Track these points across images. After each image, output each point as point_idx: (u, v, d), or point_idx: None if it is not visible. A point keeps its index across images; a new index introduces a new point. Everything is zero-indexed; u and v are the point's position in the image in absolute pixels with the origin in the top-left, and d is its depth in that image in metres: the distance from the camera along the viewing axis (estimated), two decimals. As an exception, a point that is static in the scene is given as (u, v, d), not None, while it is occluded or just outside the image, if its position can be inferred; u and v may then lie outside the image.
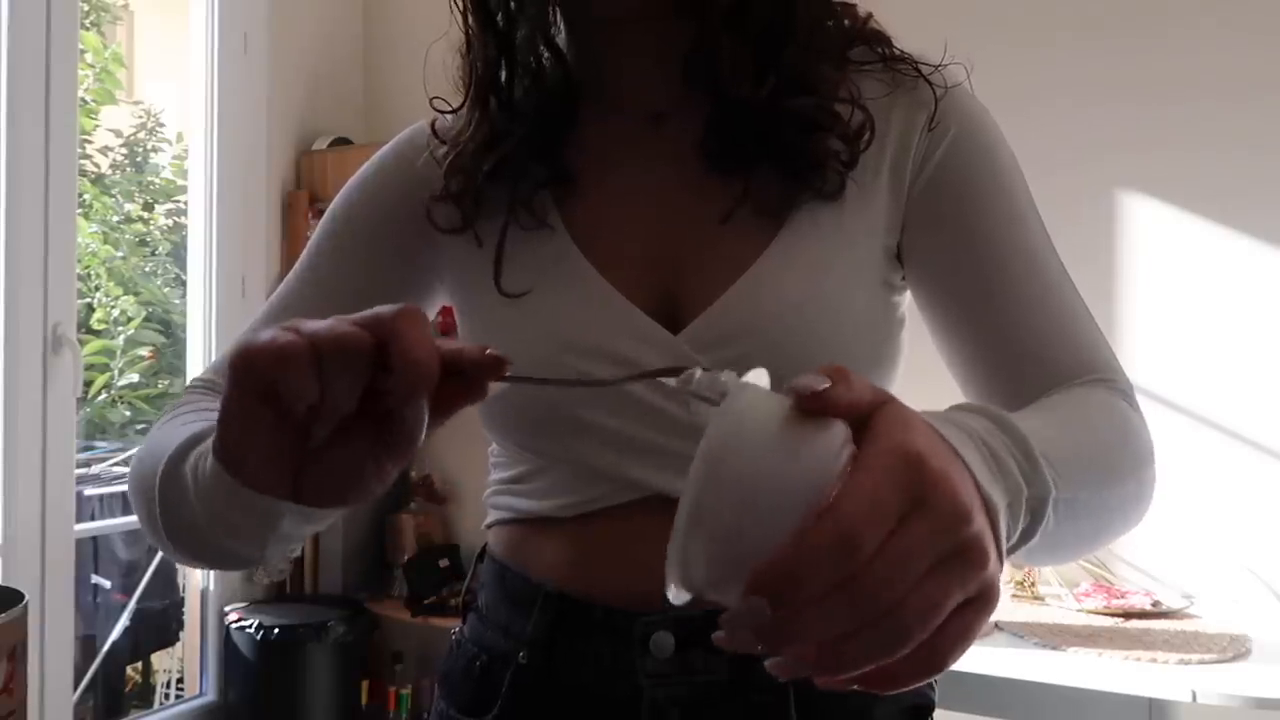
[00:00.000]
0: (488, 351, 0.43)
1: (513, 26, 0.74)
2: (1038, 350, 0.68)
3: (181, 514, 0.58)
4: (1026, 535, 0.49)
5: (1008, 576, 2.11)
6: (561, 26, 0.76)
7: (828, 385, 0.38)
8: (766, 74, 0.68)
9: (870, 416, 0.39)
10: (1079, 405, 0.64)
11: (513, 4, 0.73)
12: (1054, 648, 1.76)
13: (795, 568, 0.36)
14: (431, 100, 0.78)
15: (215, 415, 0.45)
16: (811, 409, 0.39)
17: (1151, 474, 0.64)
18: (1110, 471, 0.59)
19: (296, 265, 0.81)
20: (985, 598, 0.40)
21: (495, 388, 0.77)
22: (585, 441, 0.70)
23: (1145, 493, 0.63)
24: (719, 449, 0.38)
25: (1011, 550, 0.49)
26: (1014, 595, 2.09)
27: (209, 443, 0.52)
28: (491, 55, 0.74)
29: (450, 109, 0.78)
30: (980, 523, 0.39)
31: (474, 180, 0.74)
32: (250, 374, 0.41)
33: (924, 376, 0.78)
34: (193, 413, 0.68)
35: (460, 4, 0.74)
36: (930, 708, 0.76)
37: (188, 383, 0.78)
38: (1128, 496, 0.61)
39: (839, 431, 0.39)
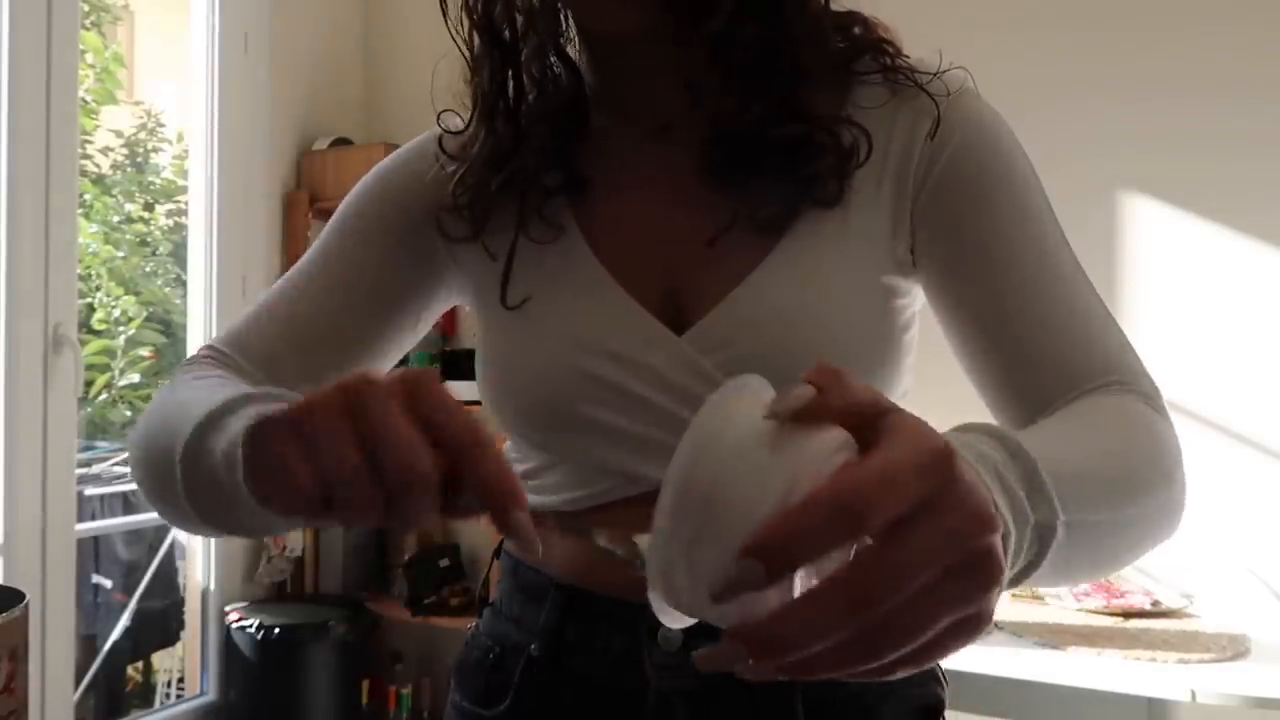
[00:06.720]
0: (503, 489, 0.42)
1: (521, 40, 0.74)
2: (1054, 351, 0.66)
3: (206, 488, 0.56)
4: (1033, 565, 0.46)
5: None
6: (575, 36, 0.77)
7: (813, 394, 0.36)
8: (752, 105, 0.69)
9: (881, 420, 0.36)
10: (1097, 416, 0.61)
11: (520, 17, 0.74)
12: (1053, 647, 1.76)
13: (785, 533, 0.32)
14: (439, 116, 0.79)
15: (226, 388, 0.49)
16: (801, 419, 0.36)
17: (1181, 481, 0.60)
18: (1131, 486, 0.55)
19: (304, 260, 0.80)
20: (980, 619, 0.36)
21: (504, 383, 0.76)
22: (591, 439, 0.71)
23: (1175, 503, 0.59)
24: (694, 448, 0.35)
25: (1017, 579, 0.46)
26: (1014, 595, 2.09)
27: (238, 447, 0.50)
28: (498, 71, 0.74)
29: (459, 129, 0.78)
30: (998, 536, 0.35)
31: (483, 194, 0.75)
32: (294, 451, 0.42)
33: (936, 386, 0.77)
34: (200, 380, 0.66)
35: (464, 25, 0.74)
36: (940, 707, 0.76)
37: (197, 350, 0.76)
38: (1154, 510, 0.57)
39: (835, 435, 0.36)
